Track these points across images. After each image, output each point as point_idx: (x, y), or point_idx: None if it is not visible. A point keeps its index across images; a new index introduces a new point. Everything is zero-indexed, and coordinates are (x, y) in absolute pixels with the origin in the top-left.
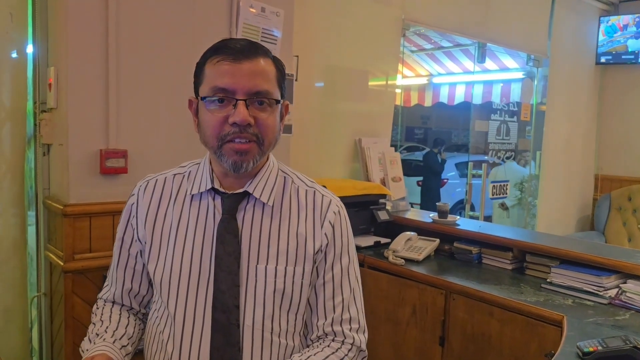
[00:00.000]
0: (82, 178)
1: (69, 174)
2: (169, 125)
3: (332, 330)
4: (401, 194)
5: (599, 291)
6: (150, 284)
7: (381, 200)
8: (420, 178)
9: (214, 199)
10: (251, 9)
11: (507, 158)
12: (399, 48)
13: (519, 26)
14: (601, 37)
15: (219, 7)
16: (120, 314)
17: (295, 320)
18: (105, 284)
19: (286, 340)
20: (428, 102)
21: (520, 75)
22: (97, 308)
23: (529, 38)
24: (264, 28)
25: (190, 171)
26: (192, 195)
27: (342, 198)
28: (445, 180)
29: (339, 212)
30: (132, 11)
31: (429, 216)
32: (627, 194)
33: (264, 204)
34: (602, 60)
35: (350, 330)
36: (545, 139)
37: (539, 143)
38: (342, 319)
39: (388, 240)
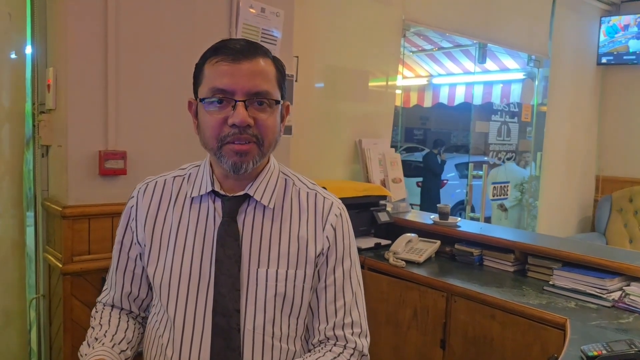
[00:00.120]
0: (81, 179)
1: (68, 175)
2: (168, 127)
3: (334, 334)
4: (401, 195)
5: (602, 294)
6: (150, 287)
7: (381, 202)
8: (420, 179)
9: (214, 202)
10: (251, 10)
11: (508, 159)
12: (399, 49)
13: (520, 27)
14: (602, 38)
15: (218, 8)
16: (119, 318)
17: (297, 325)
18: (104, 288)
19: (287, 344)
20: (428, 103)
21: (520, 75)
22: (96, 312)
23: (530, 38)
24: (264, 28)
25: (190, 173)
26: (192, 198)
27: (343, 199)
28: (445, 181)
29: (340, 214)
30: (132, 11)
31: (430, 218)
32: (629, 196)
33: (264, 206)
34: (603, 60)
35: (352, 335)
36: (546, 140)
37: (539, 144)
38: (343, 323)
39: (389, 241)
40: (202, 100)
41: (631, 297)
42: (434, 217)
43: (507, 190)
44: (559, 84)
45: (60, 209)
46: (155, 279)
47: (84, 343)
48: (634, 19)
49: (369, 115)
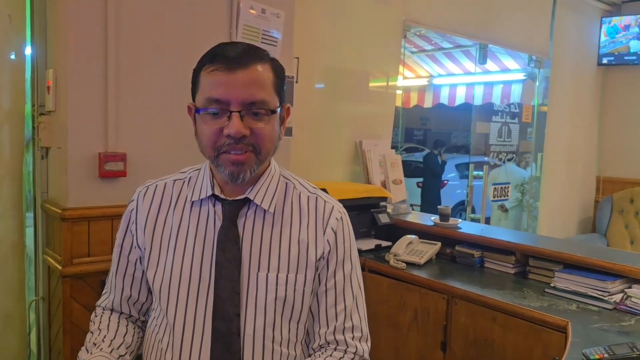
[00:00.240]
0: (81, 182)
1: (68, 177)
2: (168, 128)
3: (335, 338)
4: (402, 196)
5: (603, 296)
6: (150, 291)
7: (382, 203)
8: (420, 179)
9: (214, 206)
10: (251, 11)
11: (509, 160)
12: (400, 49)
13: (521, 27)
14: (603, 38)
15: (218, 9)
16: (118, 322)
17: (297, 329)
18: (104, 291)
19: (288, 349)
20: (428, 103)
21: (521, 76)
22: (96, 316)
23: (531, 39)
24: (264, 30)
25: (190, 177)
26: (193, 202)
27: (343, 201)
28: (446, 182)
29: (341, 218)
30: (132, 12)
31: (430, 219)
32: (630, 197)
33: (265, 210)
34: (604, 61)
35: (352, 339)
36: (546, 140)
37: (540, 145)
38: (344, 327)
39: (389, 243)
40: (197, 111)
41: (633, 299)
42: (434, 218)
43: (508, 191)
44: (559, 85)
45: (60, 211)
46: (155, 282)
47: (83, 348)
48: (635, 20)
49: (370, 116)
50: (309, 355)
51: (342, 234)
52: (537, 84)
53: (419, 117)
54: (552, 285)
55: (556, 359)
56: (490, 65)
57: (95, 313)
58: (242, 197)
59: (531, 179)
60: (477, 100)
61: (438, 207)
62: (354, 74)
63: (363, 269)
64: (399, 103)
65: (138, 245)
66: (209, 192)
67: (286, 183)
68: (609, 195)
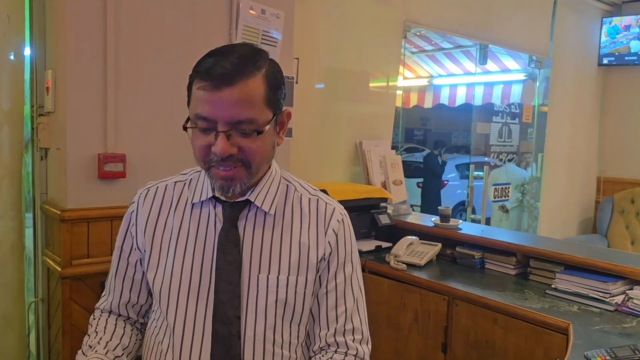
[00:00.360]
0: (80, 183)
1: (67, 178)
2: (168, 129)
3: (335, 341)
4: (402, 197)
5: (605, 298)
6: (150, 293)
7: (382, 204)
8: (421, 179)
9: (215, 208)
10: (251, 11)
11: (509, 160)
12: (400, 50)
13: (521, 27)
14: (603, 38)
15: (218, 9)
16: (115, 324)
17: (298, 331)
18: (103, 294)
19: (288, 351)
20: (428, 104)
21: (521, 76)
22: (94, 319)
23: (531, 39)
24: (264, 30)
25: (191, 179)
26: (193, 204)
27: (343, 202)
28: (446, 182)
29: (342, 220)
30: (131, 13)
31: (431, 220)
32: (630, 197)
33: (265, 213)
34: (605, 61)
35: (353, 341)
36: (547, 141)
37: (540, 145)
38: (345, 330)
39: (389, 244)
40: (184, 128)
41: (634, 301)
42: (435, 219)
43: (508, 191)
44: (560, 85)
45: (59, 213)
46: (155, 284)
47: (79, 351)
48: (636, 20)
49: (370, 116)
50: (310, 358)
51: (343, 236)
52: (538, 84)
53: (419, 117)
54: (553, 286)
55: None
56: (490, 65)
57: (94, 316)
58: (243, 199)
59: (531, 180)
60: (478, 101)
61: (438, 208)
62: (354, 74)
63: (363, 270)
64: (399, 103)
65: (138, 248)
66: (210, 194)
67: (287, 185)
68: (610, 195)
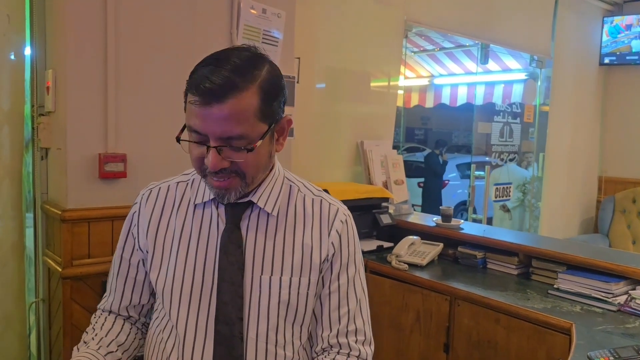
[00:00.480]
0: (81, 183)
1: (67, 178)
2: (168, 129)
3: (338, 342)
4: (404, 197)
5: (607, 298)
6: (151, 294)
7: (384, 204)
8: (422, 179)
9: (217, 208)
10: (252, 11)
11: (510, 160)
12: (401, 49)
13: (522, 27)
14: (605, 38)
15: (219, 9)
16: (114, 322)
17: (300, 332)
18: (104, 294)
19: (291, 353)
20: (429, 103)
21: (522, 76)
22: (94, 317)
23: (532, 39)
24: (265, 30)
25: (194, 179)
26: (196, 205)
27: (344, 202)
28: (447, 182)
29: (346, 221)
30: (131, 12)
31: (432, 220)
32: (632, 196)
33: (268, 213)
34: (606, 61)
35: (356, 343)
36: (548, 140)
37: (542, 145)
38: (347, 331)
39: (391, 244)
40: (178, 140)
41: (637, 301)
42: (436, 219)
43: (510, 191)
44: (561, 85)
45: (60, 213)
46: (158, 285)
47: (75, 347)
48: (637, 19)
49: (371, 116)
50: (312, 359)
51: (346, 236)
52: (539, 83)
53: (420, 117)
54: (555, 286)
55: None
56: (491, 65)
57: (95, 315)
58: (246, 200)
59: (533, 179)
60: (479, 100)
61: (440, 207)
62: (355, 74)
63: (365, 270)
64: (400, 103)
65: (140, 248)
66: (212, 195)
67: (290, 186)
68: (611, 195)
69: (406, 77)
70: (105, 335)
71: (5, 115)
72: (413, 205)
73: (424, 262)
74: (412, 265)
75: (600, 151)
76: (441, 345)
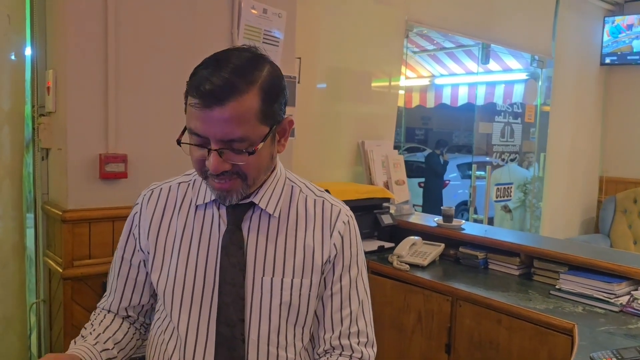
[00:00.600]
0: (81, 183)
1: (68, 179)
2: (169, 129)
3: (340, 343)
4: (405, 197)
5: (609, 298)
6: (151, 295)
7: (385, 204)
8: (422, 179)
9: (219, 209)
10: (253, 11)
11: (511, 160)
12: (402, 49)
13: (523, 27)
14: (606, 38)
15: (220, 9)
16: (112, 320)
17: (302, 334)
18: (105, 294)
19: (293, 354)
20: (430, 104)
21: (523, 76)
22: (93, 314)
23: (533, 39)
24: (266, 30)
25: (195, 179)
26: (197, 206)
27: (345, 202)
28: (447, 182)
29: (348, 222)
30: (132, 13)
31: (434, 220)
32: (633, 197)
33: (269, 215)
34: (607, 61)
35: (358, 344)
36: (549, 140)
37: (543, 145)
38: (349, 332)
39: (392, 244)
40: (179, 143)
41: (639, 301)
42: (437, 219)
43: (511, 191)
44: (562, 85)
45: (61, 213)
46: (159, 286)
47: (72, 340)
48: (638, 19)
49: (372, 116)
50: None
51: (349, 237)
52: (540, 83)
53: (420, 117)
54: (557, 287)
55: None
56: (492, 65)
57: (94, 312)
58: (247, 201)
59: (534, 179)
60: (480, 100)
61: (441, 208)
62: (356, 74)
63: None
64: (401, 103)
65: (141, 249)
66: (214, 196)
67: (292, 186)
68: (612, 195)
69: (407, 77)
70: (103, 332)
71: (6, 115)
72: (413, 206)
73: (426, 263)
74: (413, 266)
75: (601, 151)
76: (443, 345)
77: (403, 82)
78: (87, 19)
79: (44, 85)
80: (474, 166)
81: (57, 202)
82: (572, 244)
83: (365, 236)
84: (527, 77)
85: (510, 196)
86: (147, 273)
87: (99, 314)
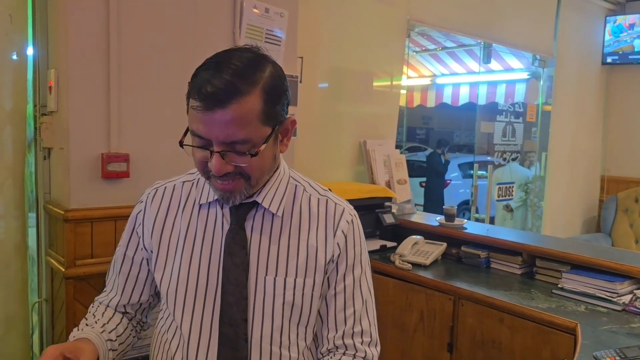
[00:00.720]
0: (84, 182)
1: (70, 178)
2: (171, 129)
3: (343, 343)
4: (407, 196)
5: (612, 297)
6: (151, 293)
7: (387, 204)
8: (424, 179)
9: (222, 208)
10: (255, 10)
11: (513, 159)
12: (404, 49)
13: (525, 26)
14: (607, 37)
15: (221, 8)
16: (114, 313)
17: (305, 333)
18: (104, 289)
19: (296, 354)
20: (431, 103)
21: (525, 75)
22: (92, 306)
23: (535, 38)
24: (268, 29)
25: (199, 178)
26: (201, 205)
27: (347, 201)
28: (449, 181)
29: (352, 221)
30: (133, 12)
31: (436, 219)
32: (634, 196)
33: (273, 214)
34: (609, 60)
35: (362, 344)
36: (551, 140)
37: (544, 144)
38: (353, 332)
39: (394, 244)
40: (181, 144)
41: None
42: (439, 218)
43: (512, 190)
44: (563, 84)
45: (63, 213)
46: (162, 285)
47: (75, 328)
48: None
49: (374, 116)
50: None
51: (352, 237)
52: (541, 83)
53: (422, 116)
54: (559, 286)
55: None
56: (494, 64)
57: (93, 305)
58: (250, 200)
59: (535, 179)
60: (481, 100)
61: (443, 207)
62: (358, 73)
63: None
64: (402, 102)
65: (145, 248)
66: (217, 196)
67: (295, 186)
68: (614, 194)
69: (408, 77)
70: (107, 323)
71: (8, 115)
72: (415, 205)
73: (428, 262)
74: (415, 265)
75: (602, 150)
76: (445, 345)
77: (404, 81)
78: (89, 19)
79: (45, 84)
80: (476, 165)
81: (59, 202)
82: (574, 243)
83: (367, 235)
84: (528, 77)
85: (512, 195)
86: (148, 271)
87: (98, 307)
